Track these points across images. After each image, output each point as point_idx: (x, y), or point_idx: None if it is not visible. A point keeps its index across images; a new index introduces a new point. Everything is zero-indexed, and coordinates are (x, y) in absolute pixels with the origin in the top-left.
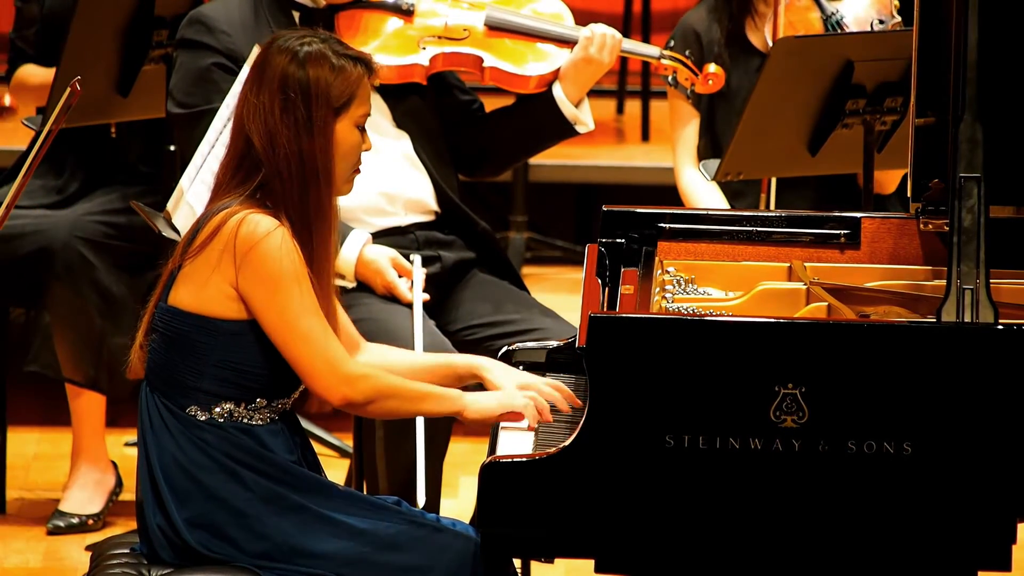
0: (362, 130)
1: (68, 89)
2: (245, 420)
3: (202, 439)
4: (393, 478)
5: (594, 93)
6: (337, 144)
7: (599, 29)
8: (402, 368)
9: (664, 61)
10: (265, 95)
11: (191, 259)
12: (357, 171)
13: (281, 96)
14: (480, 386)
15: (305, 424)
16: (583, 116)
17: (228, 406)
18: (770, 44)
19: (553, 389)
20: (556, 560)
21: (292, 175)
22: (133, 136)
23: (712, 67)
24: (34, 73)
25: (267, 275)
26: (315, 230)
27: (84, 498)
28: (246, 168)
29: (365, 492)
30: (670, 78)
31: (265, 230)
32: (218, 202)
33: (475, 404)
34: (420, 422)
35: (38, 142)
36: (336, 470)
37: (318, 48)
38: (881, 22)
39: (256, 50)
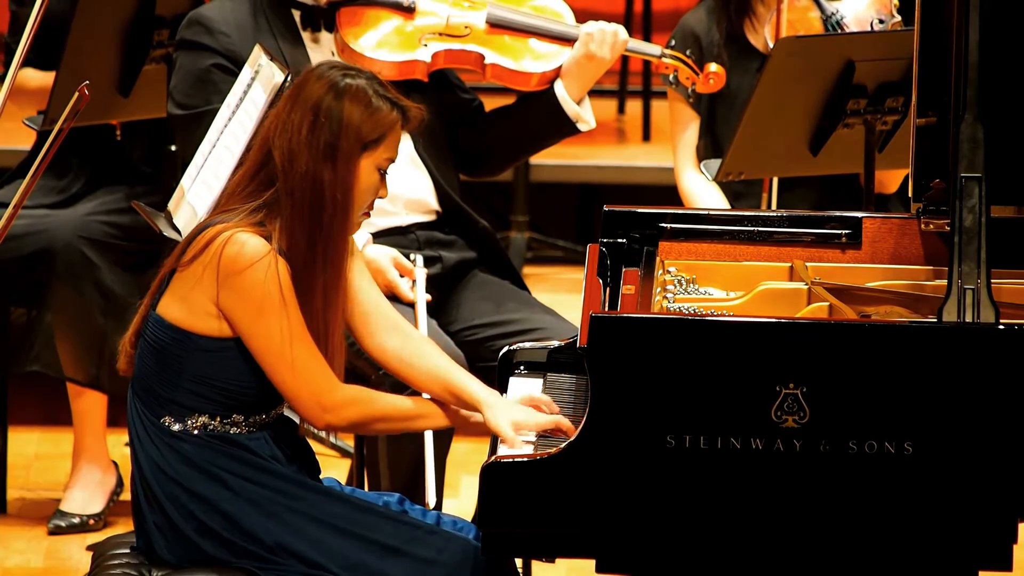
0: (383, 176)
1: (76, 94)
2: (221, 431)
3: (180, 448)
4: (395, 478)
5: (595, 93)
6: (356, 180)
7: (601, 26)
8: (422, 370)
9: (665, 60)
10: (296, 114)
11: (181, 270)
12: (367, 214)
13: (311, 118)
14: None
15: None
16: (585, 114)
17: (202, 419)
18: (770, 45)
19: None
20: (557, 560)
21: (304, 197)
22: (136, 137)
23: (713, 66)
24: (32, 77)
25: (252, 300)
26: (318, 252)
27: (85, 498)
28: (260, 180)
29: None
30: (671, 77)
31: (251, 254)
32: (220, 213)
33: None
34: None
35: (44, 147)
36: (337, 470)
37: (359, 84)
38: (881, 22)
39: (257, 50)
